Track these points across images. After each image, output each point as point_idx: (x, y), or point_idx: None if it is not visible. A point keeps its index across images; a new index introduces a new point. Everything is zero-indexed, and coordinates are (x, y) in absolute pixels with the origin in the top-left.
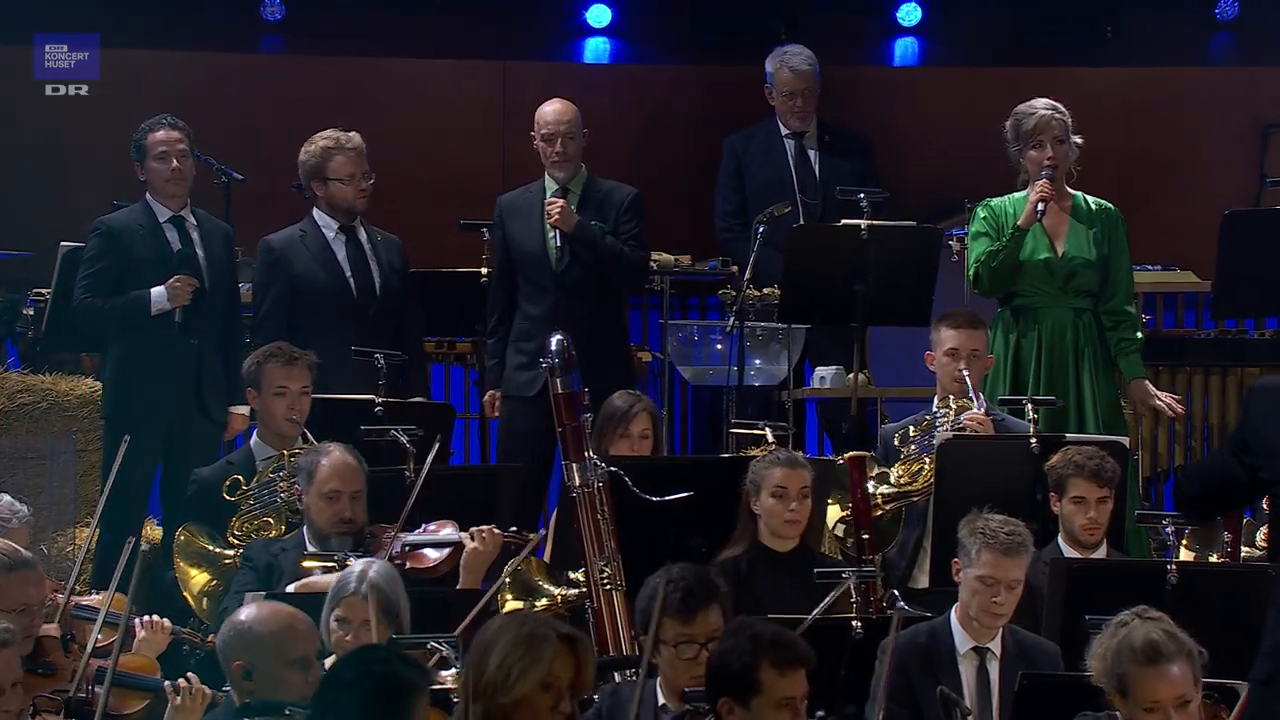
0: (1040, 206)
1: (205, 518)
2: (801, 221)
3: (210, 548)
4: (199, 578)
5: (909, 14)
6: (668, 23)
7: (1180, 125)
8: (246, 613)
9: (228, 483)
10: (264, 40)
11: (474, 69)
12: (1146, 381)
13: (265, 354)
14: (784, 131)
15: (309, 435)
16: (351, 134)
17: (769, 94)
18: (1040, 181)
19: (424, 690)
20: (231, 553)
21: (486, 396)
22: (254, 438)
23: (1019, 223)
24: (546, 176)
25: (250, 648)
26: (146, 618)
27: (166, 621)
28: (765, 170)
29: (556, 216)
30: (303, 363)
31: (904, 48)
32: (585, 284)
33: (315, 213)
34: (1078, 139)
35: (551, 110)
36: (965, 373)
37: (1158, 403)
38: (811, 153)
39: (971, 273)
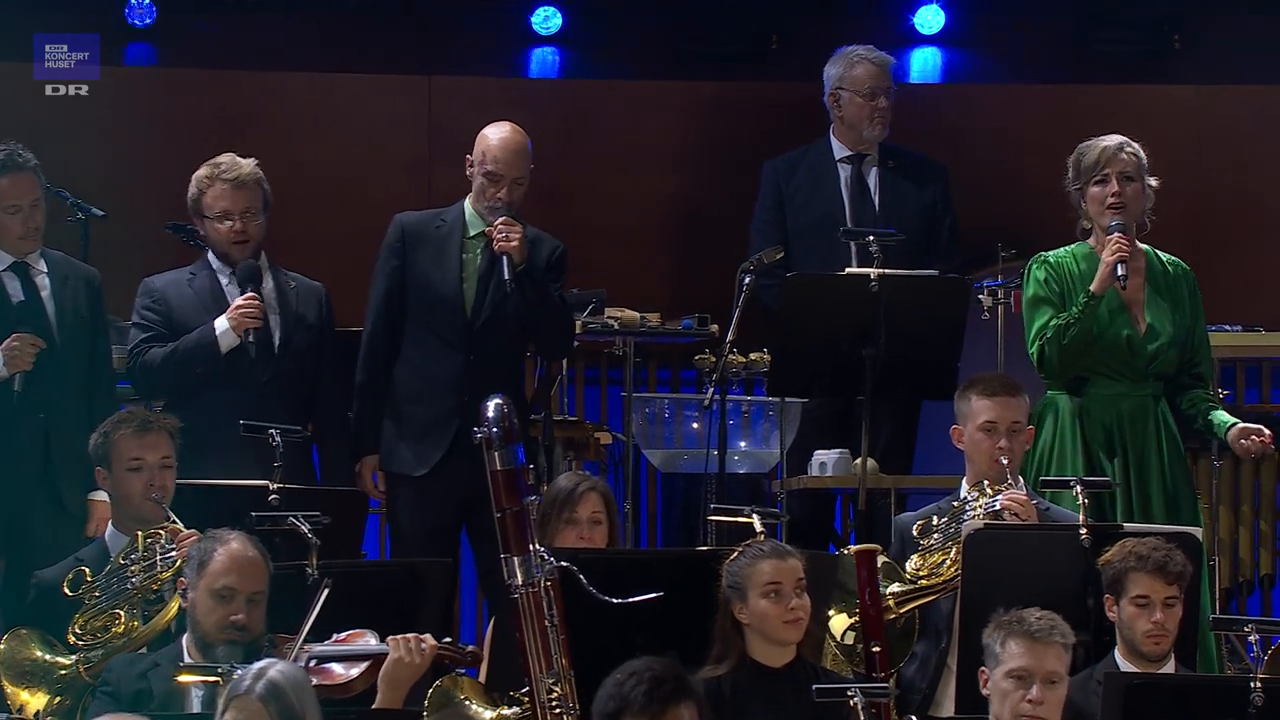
0: (1120, 270)
1: (50, 626)
2: (854, 267)
3: (43, 656)
4: (34, 701)
5: (930, 20)
6: (632, 29)
7: (1265, 153)
8: None
9: (70, 576)
10: (129, 49)
11: (393, 85)
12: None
13: (113, 423)
14: (839, 154)
15: (174, 518)
16: (243, 161)
17: (835, 103)
18: (1114, 236)
19: None
20: (69, 660)
21: (360, 467)
22: (109, 529)
23: (1092, 288)
24: (468, 206)
25: None
26: None
27: None
28: (813, 203)
29: (515, 243)
30: (159, 429)
31: (924, 60)
32: (500, 344)
33: (209, 255)
34: (1153, 181)
35: (500, 144)
36: (1005, 460)
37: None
38: (871, 181)
39: (1034, 350)
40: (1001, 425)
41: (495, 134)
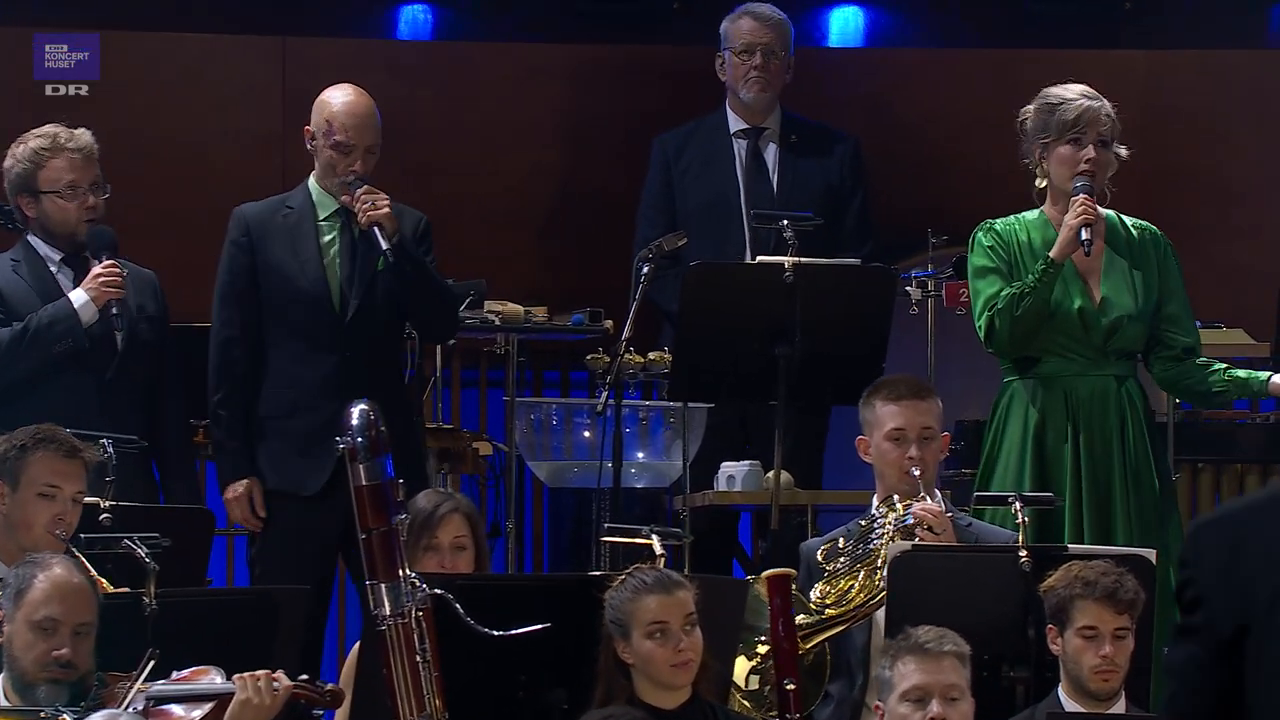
0: (1085, 234)
1: None
2: (749, 257)
3: None
4: None
5: None
6: None
7: (1225, 126)
8: None
9: None
10: None
11: (242, 47)
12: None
13: (34, 438)
14: (734, 128)
15: (79, 555)
16: (78, 130)
17: (720, 70)
18: (1080, 197)
19: None
20: None
21: (241, 490)
22: None
23: (1052, 254)
24: (313, 184)
25: None
26: None
27: None
28: (704, 183)
29: (385, 209)
30: (85, 460)
31: (844, 21)
32: (378, 337)
33: (31, 238)
34: (1121, 149)
35: (347, 110)
36: (916, 471)
37: None
38: (770, 158)
39: (982, 321)
40: (911, 432)
41: (339, 99)
